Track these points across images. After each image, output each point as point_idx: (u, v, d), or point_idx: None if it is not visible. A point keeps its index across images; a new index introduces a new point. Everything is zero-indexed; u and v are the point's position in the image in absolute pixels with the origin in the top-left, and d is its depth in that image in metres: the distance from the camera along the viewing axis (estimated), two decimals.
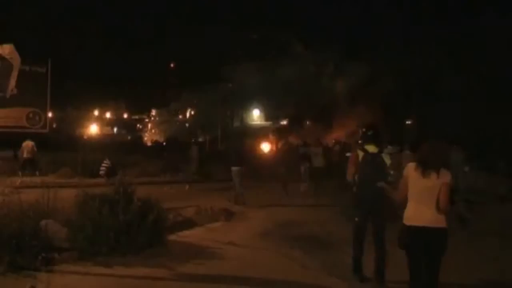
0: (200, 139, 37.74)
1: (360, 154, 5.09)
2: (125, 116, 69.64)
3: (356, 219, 5.06)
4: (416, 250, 3.82)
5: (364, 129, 5.28)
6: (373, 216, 5.02)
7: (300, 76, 32.51)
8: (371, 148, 5.09)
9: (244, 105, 42.32)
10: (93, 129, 44.45)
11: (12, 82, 9.44)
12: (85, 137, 34.41)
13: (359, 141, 5.33)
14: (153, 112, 65.56)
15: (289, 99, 33.45)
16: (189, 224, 7.85)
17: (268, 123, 40.76)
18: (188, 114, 54.45)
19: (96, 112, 58.89)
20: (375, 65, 27.98)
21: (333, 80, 32.41)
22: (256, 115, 44.21)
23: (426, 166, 3.82)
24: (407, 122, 29.83)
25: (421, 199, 3.83)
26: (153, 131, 60.43)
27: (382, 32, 32.19)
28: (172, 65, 50.55)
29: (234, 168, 10.88)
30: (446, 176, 3.80)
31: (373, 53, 29.42)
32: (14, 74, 9.45)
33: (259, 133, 31.64)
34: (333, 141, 23.78)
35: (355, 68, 29.15)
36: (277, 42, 37.88)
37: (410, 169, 3.93)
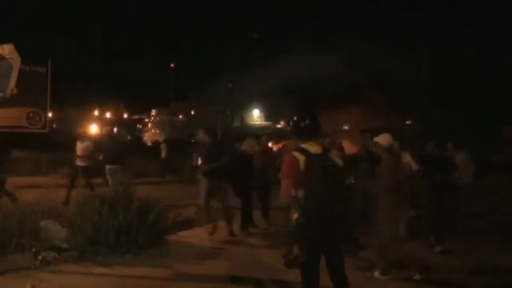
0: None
1: (300, 158, 3.18)
2: (125, 116, 69.70)
3: (302, 258, 3.23)
4: None
5: (296, 118, 3.39)
6: (329, 250, 3.38)
7: (303, 74, 32.60)
8: (313, 148, 3.27)
9: (244, 105, 42.43)
10: (93, 129, 44.45)
11: (12, 82, 9.39)
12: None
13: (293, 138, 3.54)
14: (153, 112, 65.64)
15: (290, 99, 33.57)
16: (189, 224, 7.86)
17: (268, 123, 40.87)
18: (188, 114, 54.57)
19: (96, 112, 58.89)
20: (377, 66, 28.08)
21: (336, 78, 32.52)
22: (256, 115, 44.26)
23: None
24: (407, 122, 29.86)
25: None
26: (153, 131, 60.50)
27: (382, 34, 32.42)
28: (172, 65, 50.68)
29: (113, 167, 9.60)
30: None
31: (374, 54, 29.54)
32: (14, 74, 9.40)
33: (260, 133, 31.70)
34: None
35: (357, 67, 29.27)
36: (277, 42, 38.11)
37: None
